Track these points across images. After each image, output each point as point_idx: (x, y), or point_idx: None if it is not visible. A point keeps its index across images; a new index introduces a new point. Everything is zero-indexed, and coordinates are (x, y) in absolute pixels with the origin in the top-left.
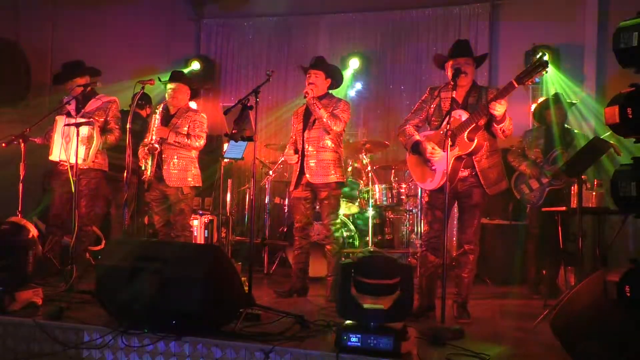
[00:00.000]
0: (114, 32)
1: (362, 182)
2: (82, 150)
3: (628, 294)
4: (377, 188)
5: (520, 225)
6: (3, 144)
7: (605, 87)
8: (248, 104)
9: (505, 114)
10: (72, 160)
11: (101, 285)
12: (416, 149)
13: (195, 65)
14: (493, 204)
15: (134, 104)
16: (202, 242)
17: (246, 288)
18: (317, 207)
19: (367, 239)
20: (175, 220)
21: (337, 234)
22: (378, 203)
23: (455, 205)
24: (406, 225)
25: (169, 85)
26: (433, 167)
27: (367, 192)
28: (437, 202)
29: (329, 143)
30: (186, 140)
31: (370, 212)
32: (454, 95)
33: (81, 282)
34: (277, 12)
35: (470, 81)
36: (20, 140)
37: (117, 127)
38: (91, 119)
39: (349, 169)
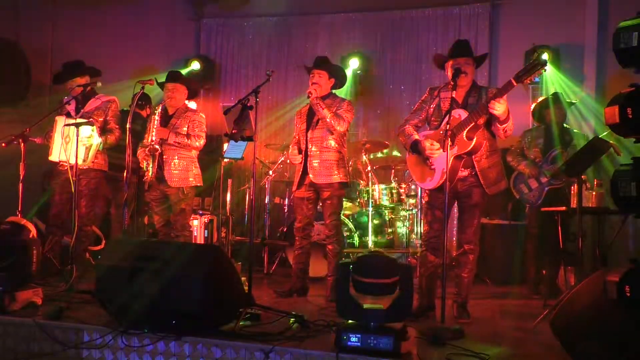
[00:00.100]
0: (114, 32)
1: (362, 182)
2: (82, 150)
3: (628, 294)
4: (377, 188)
5: (520, 225)
6: (3, 144)
7: (605, 87)
8: (248, 104)
9: (509, 114)
10: (72, 161)
11: (101, 285)
12: (415, 148)
13: (195, 65)
14: (493, 204)
15: (133, 103)
16: (202, 242)
17: (246, 288)
18: (320, 207)
19: (367, 238)
20: (176, 219)
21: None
22: (378, 203)
23: (455, 205)
24: (406, 225)
25: (167, 86)
26: (432, 167)
27: (367, 192)
28: (436, 201)
29: (332, 143)
30: (186, 140)
31: (370, 212)
32: (453, 95)
33: (81, 282)
34: (277, 12)
35: (470, 81)
36: (20, 140)
37: (116, 126)
38: (91, 119)
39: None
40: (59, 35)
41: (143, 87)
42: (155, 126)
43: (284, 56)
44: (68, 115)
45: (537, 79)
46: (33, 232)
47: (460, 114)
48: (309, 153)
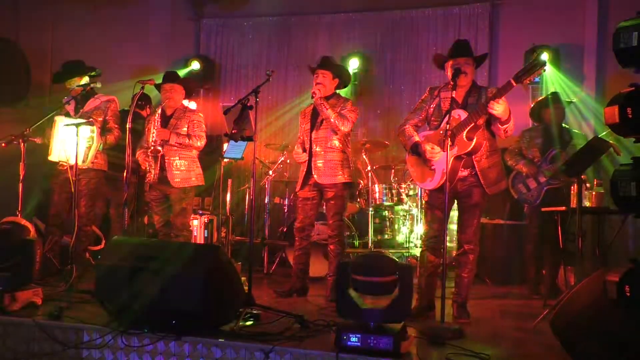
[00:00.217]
0: (114, 32)
1: (362, 182)
2: (81, 150)
3: (628, 294)
4: (377, 188)
5: (521, 225)
6: (3, 144)
7: (605, 87)
8: (248, 104)
9: (510, 114)
10: (72, 161)
11: (101, 285)
12: (415, 149)
13: (195, 65)
14: (493, 204)
15: (133, 103)
16: (202, 242)
17: (246, 288)
18: (323, 207)
19: (367, 238)
20: (177, 219)
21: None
22: (378, 203)
23: (455, 205)
24: (406, 225)
25: (164, 87)
26: (432, 167)
27: (367, 192)
28: (436, 201)
29: (336, 143)
30: (187, 140)
31: (370, 212)
32: (453, 95)
33: (81, 282)
34: (277, 12)
35: (470, 81)
36: (20, 140)
37: (116, 126)
38: (91, 119)
39: None
40: (59, 35)
41: (143, 87)
42: (155, 128)
43: (284, 56)
44: (67, 115)
45: (537, 79)
46: (32, 231)
47: (460, 114)
48: (313, 153)
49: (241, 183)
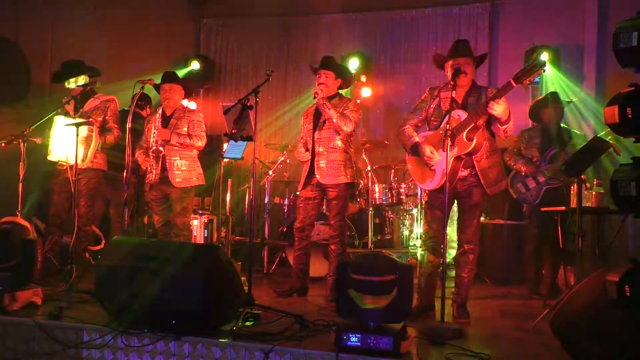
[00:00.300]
0: (114, 32)
1: (362, 182)
2: (80, 150)
3: (628, 294)
4: (377, 188)
5: (520, 225)
6: (3, 144)
7: (604, 86)
8: (248, 104)
9: (510, 115)
10: (71, 161)
11: (101, 285)
12: (415, 150)
13: (195, 65)
14: (493, 204)
15: (133, 103)
16: (202, 242)
17: (246, 288)
18: (325, 207)
19: (366, 238)
20: (177, 219)
21: None
22: (378, 203)
23: (455, 205)
24: (406, 225)
25: (163, 87)
26: (433, 167)
27: (367, 192)
28: (436, 201)
29: (339, 143)
30: (188, 140)
31: (370, 212)
32: (453, 95)
33: (81, 281)
34: (277, 12)
35: (470, 81)
36: (20, 140)
37: (115, 126)
38: (90, 119)
39: None
40: (58, 35)
41: (143, 87)
42: (156, 128)
43: (284, 56)
44: (67, 115)
45: (536, 79)
46: (31, 231)
47: (460, 114)
48: (315, 153)
49: (241, 183)
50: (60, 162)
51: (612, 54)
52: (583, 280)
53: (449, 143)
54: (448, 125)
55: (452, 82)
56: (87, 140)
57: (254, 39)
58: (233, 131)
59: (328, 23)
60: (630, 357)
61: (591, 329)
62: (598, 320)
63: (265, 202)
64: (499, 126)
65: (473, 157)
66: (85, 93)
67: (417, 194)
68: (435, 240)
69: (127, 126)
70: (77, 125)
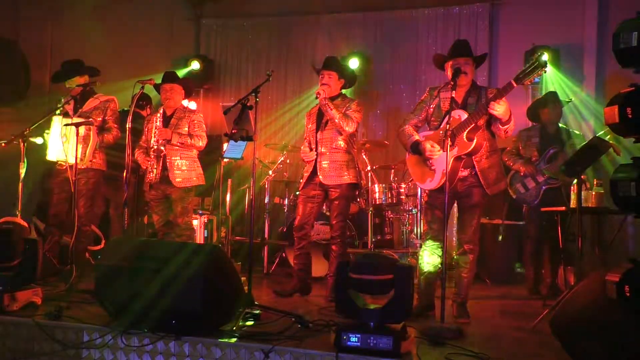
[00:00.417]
0: (113, 31)
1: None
2: (78, 150)
3: (627, 294)
4: (377, 188)
5: (520, 226)
6: (3, 144)
7: (604, 87)
8: (248, 104)
9: (511, 115)
10: (69, 160)
11: (101, 285)
12: (416, 148)
13: (195, 65)
14: (493, 204)
15: (133, 103)
16: (202, 242)
17: (246, 288)
18: (326, 207)
19: (366, 238)
20: (179, 219)
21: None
22: (378, 203)
23: (455, 205)
24: (406, 225)
25: (164, 87)
26: (432, 167)
27: (367, 192)
28: (436, 202)
29: (341, 144)
30: (189, 140)
31: (370, 212)
32: (453, 95)
33: (81, 281)
34: (277, 12)
35: (470, 81)
36: (20, 140)
37: (115, 126)
38: (90, 119)
39: None
40: (58, 35)
41: (143, 87)
42: (157, 127)
43: (284, 56)
44: (66, 114)
45: (537, 79)
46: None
47: (460, 114)
48: (318, 154)
49: (241, 183)
50: (59, 162)
51: (612, 54)
52: (583, 280)
53: (449, 143)
54: (448, 125)
55: (452, 82)
56: (85, 140)
57: (254, 39)
58: (233, 131)
59: (328, 23)
60: (630, 357)
61: (591, 329)
62: (598, 320)
63: (265, 202)
64: (500, 126)
65: (473, 157)
66: (85, 93)
67: (417, 194)
68: (435, 240)
69: (127, 126)
70: (77, 125)
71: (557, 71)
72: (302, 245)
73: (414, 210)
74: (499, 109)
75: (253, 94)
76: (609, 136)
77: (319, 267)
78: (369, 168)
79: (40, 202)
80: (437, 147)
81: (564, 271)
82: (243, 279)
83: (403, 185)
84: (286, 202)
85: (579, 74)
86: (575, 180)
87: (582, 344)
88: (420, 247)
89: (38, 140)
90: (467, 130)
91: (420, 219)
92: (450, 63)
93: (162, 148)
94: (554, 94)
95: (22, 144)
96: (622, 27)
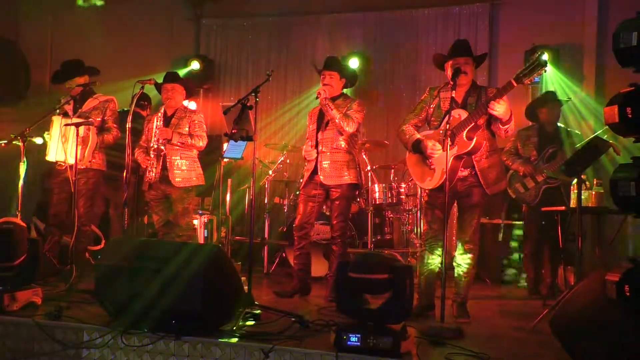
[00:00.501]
0: (113, 31)
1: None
2: (78, 150)
3: (627, 294)
4: (377, 188)
5: (520, 225)
6: (3, 144)
7: (604, 86)
8: (248, 104)
9: (511, 115)
10: (69, 161)
11: (101, 285)
12: (417, 147)
13: (195, 65)
14: (493, 204)
15: (133, 103)
16: (202, 241)
17: (246, 288)
18: (327, 207)
19: (366, 238)
20: (180, 220)
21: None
22: (378, 202)
23: (455, 204)
24: (406, 225)
25: (165, 86)
26: (432, 167)
27: (367, 191)
28: (436, 201)
29: (342, 144)
30: (190, 140)
31: (370, 212)
32: (453, 95)
33: (81, 281)
34: (277, 12)
35: (470, 81)
36: (20, 140)
37: (114, 126)
38: (90, 119)
39: None
40: (58, 35)
41: (143, 87)
42: (157, 127)
43: (284, 56)
44: (65, 115)
45: (537, 79)
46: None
47: (460, 114)
48: (319, 154)
49: (241, 183)
50: (58, 162)
51: (611, 53)
52: (583, 280)
53: (449, 142)
54: (448, 125)
55: (452, 82)
56: (84, 140)
57: (254, 39)
58: (233, 131)
59: (328, 23)
60: (630, 357)
61: (591, 329)
62: (598, 320)
63: (265, 202)
64: (500, 126)
65: (473, 157)
66: (85, 93)
67: (417, 193)
68: (435, 240)
69: (127, 126)
70: (77, 125)
71: (557, 71)
72: (302, 245)
73: (414, 210)
74: (498, 108)
75: (253, 94)
76: (606, 135)
77: (319, 267)
78: (369, 168)
79: (40, 202)
80: (439, 145)
81: (564, 271)
82: (243, 279)
83: (403, 185)
84: (286, 202)
85: (578, 73)
86: (575, 180)
87: (582, 344)
88: (420, 247)
89: (38, 140)
90: (466, 130)
91: (420, 219)
92: (450, 63)
93: (163, 147)
94: (552, 94)
95: (22, 144)
96: (622, 27)
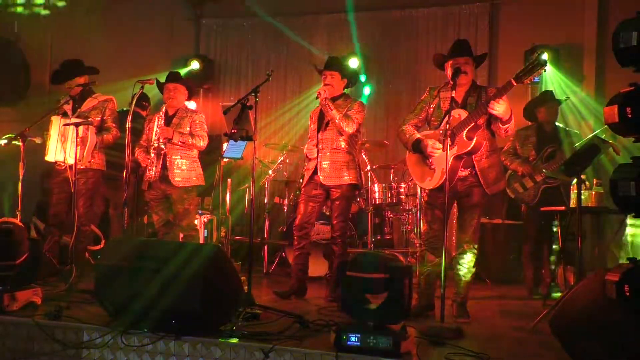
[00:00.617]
0: (113, 31)
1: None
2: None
3: (627, 294)
4: (377, 188)
5: (520, 225)
6: (3, 144)
7: (604, 86)
8: (247, 104)
9: (512, 114)
10: (68, 161)
11: (100, 284)
12: (417, 147)
13: (195, 65)
14: (493, 204)
15: (133, 103)
16: (202, 241)
17: (246, 288)
18: (327, 207)
19: (366, 238)
20: (182, 221)
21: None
22: (377, 202)
23: (455, 204)
24: (406, 225)
25: (167, 86)
26: (432, 166)
27: (367, 191)
28: (436, 201)
29: (342, 144)
30: (191, 140)
31: (370, 212)
32: (453, 95)
33: (80, 281)
34: (277, 12)
35: (470, 81)
36: (20, 140)
37: (114, 125)
38: (90, 119)
39: None
40: (58, 35)
41: (142, 87)
42: (158, 126)
43: (284, 56)
44: (64, 115)
45: (536, 79)
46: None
47: (460, 113)
48: (319, 154)
49: (241, 183)
50: (58, 162)
51: (611, 53)
52: (583, 280)
53: (449, 142)
54: (448, 125)
55: (452, 82)
56: (83, 140)
57: (254, 39)
58: (233, 131)
59: (327, 23)
60: (630, 357)
61: (591, 329)
62: (598, 320)
63: (265, 202)
64: (500, 125)
65: (473, 156)
66: (84, 93)
67: (417, 193)
68: (435, 240)
69: (127, 126)
70: (76, 125)
71: (557, 71)
72: (303, 245)
73: (414, 210)
74: (498, 108)
75: (253, 94)
76: (605, 135)
77: (319, 267)
78: (368, 168)
79: (40, 202)
80: (439, 144)
81: (563, 271)
82: (243, 278)
83: (403, 185)
84: (286, 202)
85: (578, 73)
86: (575, 180)
87: (582, 344)
88: (420, 246)
89: (37, 140)
90: (466, 129)
91: (420, 219)
92: (450, 63)
93: (163, 146)
94: (549, 93)
95: (21, 144)
96: (622, 27)
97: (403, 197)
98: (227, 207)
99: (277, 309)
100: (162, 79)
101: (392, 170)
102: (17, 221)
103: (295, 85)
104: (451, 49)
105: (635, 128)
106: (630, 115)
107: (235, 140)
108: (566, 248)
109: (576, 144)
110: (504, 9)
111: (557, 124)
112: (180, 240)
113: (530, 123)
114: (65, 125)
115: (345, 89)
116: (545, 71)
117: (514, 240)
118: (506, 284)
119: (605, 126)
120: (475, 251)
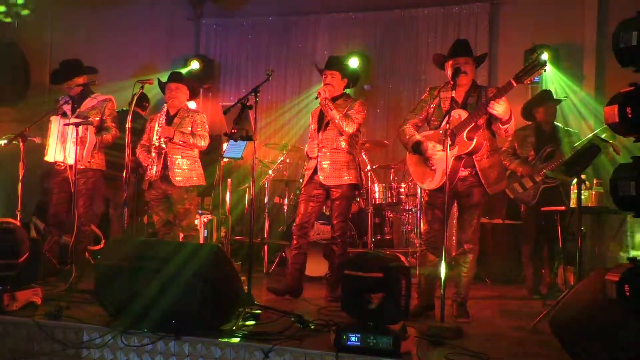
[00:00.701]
0: (113, 31)
1: None
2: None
3: (627, 294)
4: (377, 187)
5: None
6: (3, 144)
7: (604, 86)
8: (248, 104)
9: (511, 114)
10: (68, 161)
11: (100, 285)
12: (417, 148)
13: (195, 65)
14: (493, 204)
15: (132, 103)
16: (202, 241)
17: (246, 288)
18: (328, 207)
19: (366, 238)
20: (183, 221)
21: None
22: (377, 202)
23: (455, 204)
24: (406, 225)
25: (169, 86)
26: (433, 167)
27: (367, 191)
28: (436, 201)
29: (342, 144)
30: (192, 139)
31: (370, 212)
32: (453, 95)
33: (80, 281)
34: (277, 12)
35: (470, 81)
36: (20, 140)
37: (113, 125)
38: (90, 119)
39: None
40: (57, 35)
41: (142, 87)
42: (160, 125)
43: (284, 56)
44: (64, 115)
45: (536, 79)
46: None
47: (460, 114)
48: (319, 154)
49: (241, 183)
50: (58, 163)
51: (611, 53)
52: (583, 280)
53: (449, 143)
54: (448, 125)
55: (452, 82)
56: (82, 140)
57: (254, 39)
58: (233, 131)
59: (327, 22)
60: (630, 357)
61: (591, 329)
62: (598, 320)
63: (265, 201)
64: (500, 126)
65: (473, 156)
66: (83, 93)
67: (417, 193)
68: (435, 239)
69: (127, 126)
70: (76, 125)
71: (557, 70)
72: (301, 244)
73: (414, 210)
74: (498, 108)
75: (253, 94)
76: (605, 135)
77: (319, 267)
78: (368, 168)
79: (40, 202)
80: (439, 146)
81: (563, 271)
82: (243, 278)
83: (403, 185)
84: (286, 201)
85: (578, 73)
86: (574, 180)
87: (582, 343)
88: (420, 246)
89: (37, 140)
90: (467, 130)
91: (420, 219)
92: (450, 63)
93: (164, 146)
94: (547, 93)
95: (21, 144)
96: (622, 27)
97: (403, 197)
98: (227, 207)
99: (277, 309)
100: (163, 79)
101: (392, 170)
102: (16, 221)
103: (295, 85)
104: (451, 49)
105: (636, 128)
106: (630, 115)
107: (235, 140)
108: (566, 248)
109: (576, 144)
110: (504, 9)
111: (556, 123)
112: (181, 240)
113: (528, 123)
114: (65, 125)
115: (346, 89)
116: (545, 71)
117: (514, 240)
118: (506, 284)
119: (605, 126)
120: (476, 251)
